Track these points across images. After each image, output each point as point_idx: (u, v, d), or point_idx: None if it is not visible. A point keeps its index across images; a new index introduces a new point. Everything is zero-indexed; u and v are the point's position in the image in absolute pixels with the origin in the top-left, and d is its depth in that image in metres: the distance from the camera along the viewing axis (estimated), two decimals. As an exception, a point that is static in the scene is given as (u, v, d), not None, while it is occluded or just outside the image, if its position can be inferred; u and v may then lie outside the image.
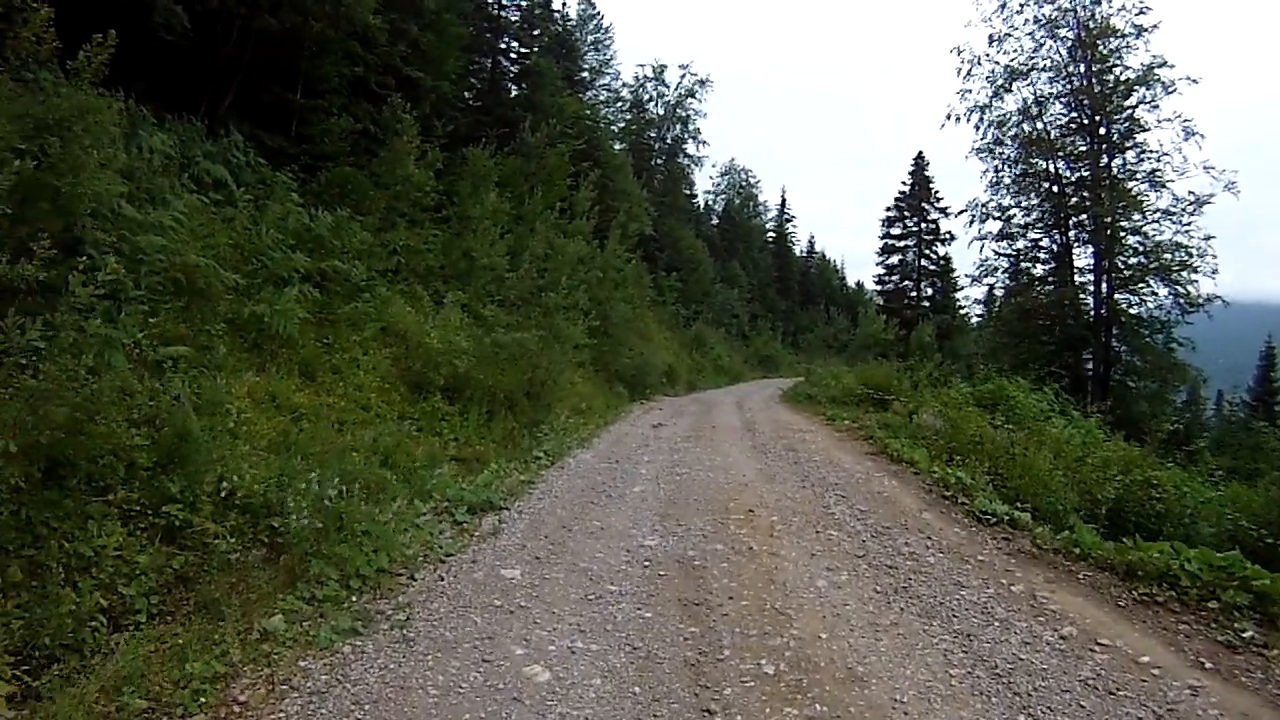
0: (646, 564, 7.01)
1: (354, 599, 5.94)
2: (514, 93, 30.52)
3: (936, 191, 55.79)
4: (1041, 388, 17.94)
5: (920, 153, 56.94)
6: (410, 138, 16.38)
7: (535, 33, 32.75)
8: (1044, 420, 15.35)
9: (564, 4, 44.41)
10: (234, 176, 11.84)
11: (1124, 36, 27.99)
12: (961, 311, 52.29)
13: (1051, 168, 29.87)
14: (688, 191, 61.21)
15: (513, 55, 31.25)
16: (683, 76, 55.83)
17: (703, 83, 55.60)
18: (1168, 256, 26.76)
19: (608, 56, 53.96)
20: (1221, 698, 4.93)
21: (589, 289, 20.73)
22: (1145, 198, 27.57)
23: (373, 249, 13.64)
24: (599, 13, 53.71)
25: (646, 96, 56.14)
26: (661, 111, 56.25)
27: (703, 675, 4.98)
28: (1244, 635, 5.79)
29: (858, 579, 6.77)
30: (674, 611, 5.98)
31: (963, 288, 52.71)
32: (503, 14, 30.66)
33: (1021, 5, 29.38)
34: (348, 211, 13.18)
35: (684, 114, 56.10)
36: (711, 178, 72.67)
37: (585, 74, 47.13)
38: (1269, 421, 25.65)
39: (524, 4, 31.95)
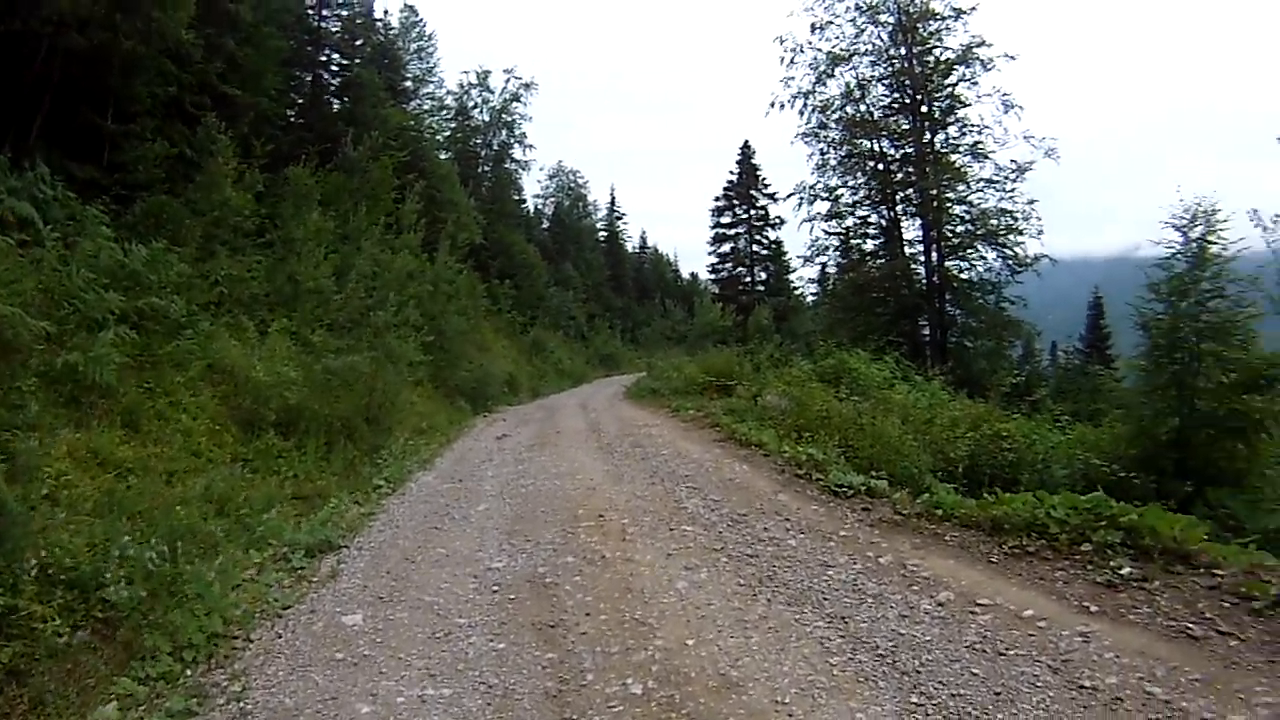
0: (496, 589, 6.35)
1: (189, 672, 5.16)
2: (336, 107, 29.13)
3: (764, 178, 56.49)
4: (882, 357, 18.28)
5: (746, 141, 57.48)
6: (227, 159, 15.26)
7: (358, 43, 31.25)
8: (888, 388, 15.61)
9: (385, 12, 42.88)
10: (41, 213, 10.57)
11: (943, 19, 28.68)
12: (796, 292, 53.37)
13: (876, 147, 30.61)
14: (517, 197, 59.93)
15: (334, 68, 29.77)
16: (507, 81, 54.42)
17: (527, 86, 54.42)
18: (994, 222, 27.90)
19: (431, 65, 52.09)
20: (1113, 639, 4.69)
21: (420, 304, 19.83)
22: (969, 169, 28.73)
23: (192, 281, 12.54)
24: (421, 20, 51.94)
25: (471, 103, 54.50)
26: (487, 118, 54.68)
27: (566, 706, 4.40)
28: (1122, 573, 5.63)
29: (719, 574, 6.29)
30: (529, 638, 5.36)
31: (796, 269, 54.42)
32: (323, 25, 29.21)
33: None
34: (164, 243, 11.99)
35: (509, 119, 54.90)
36: (540, 181, 71.67)
37: (409, 83, 45.46)
38: (1103, 365, 27.08)
39: (345, 14, 30.58)
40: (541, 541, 7.56)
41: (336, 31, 30.31)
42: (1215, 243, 12.40)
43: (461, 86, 54.58)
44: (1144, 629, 4.83)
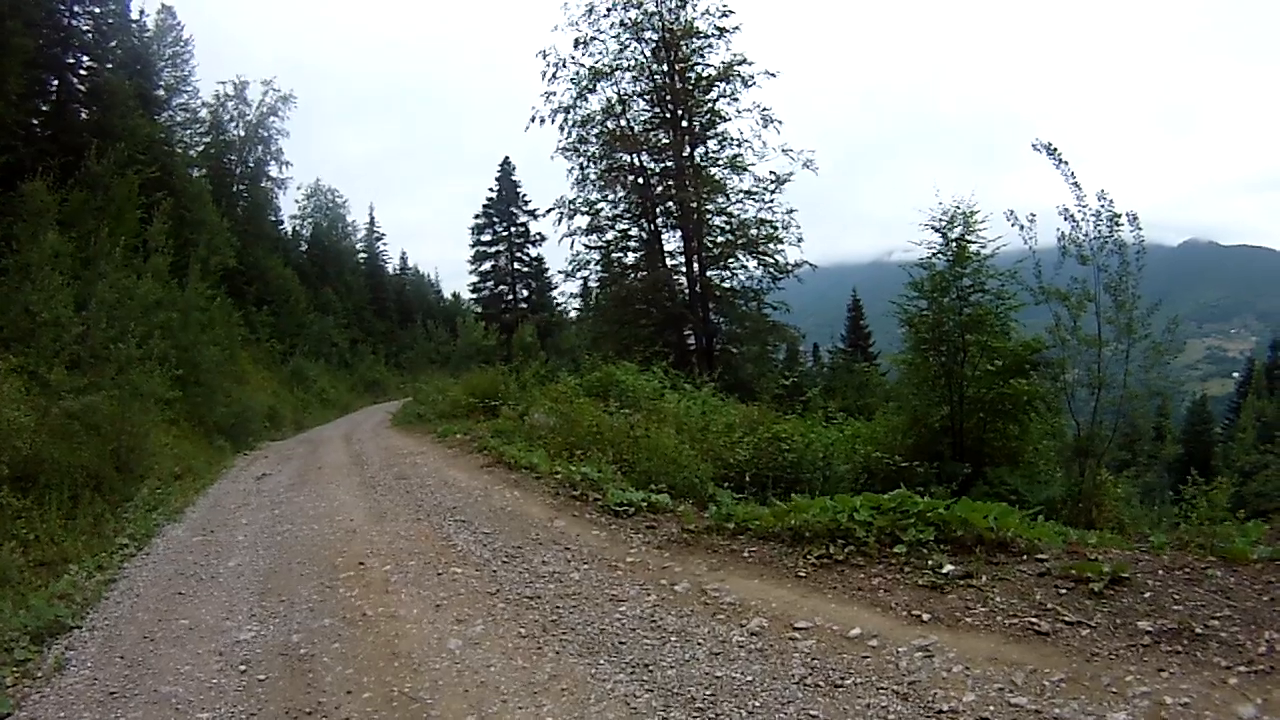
0: (244, 667, 5.06)
1: None
2: (85, 115, 26.00)
3: (525, 194, 56.13)
4: (650, 368, 17.86)
5: (506, 158, 56.80)
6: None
7: (111, 44, 27.89)
8: (658, 398, 15.21)
9: (142, 13, 38.75)
10: None
11: (706, 37, 29.70)
12: (559, 308, 52.85)
13: (636, 161, 30.80)
14: (274, 218, 55.98)
15: (83, 71, 26.49)
16: (265, 93, 50.61)
17: (286, 99, 50.62)
18: (754, 232, 28.86)
19: (186, 72, 47.15)
20: (958, 649, 4.19)
21: (169, 334, 17.61)
22: (729, 181, 29.66)
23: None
24: (179, 24, 47.03)
25: (227, 116, 49.93)
26: (243, 132, 50.57)
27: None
28: (944, 571, 5.19)
29: (497, 625, 5.28)
30: (281, 733, 4.19)
31: (558, 285, 53.97)
32: (74, 22, 25.90)
33: (609, 10, 30.03)
34: None
35: (266, 134, 51.16)
36: (298, 201, 67.02)
37: (161, 92, 41.31)
38: (867, 362, 28.30)
39: (98, 10, 27.20)
40: (297, 601, 6.30)
41: (88, 31, 27.01)
42: (974, 242, 12.86)
43: (217, 98, 50.13)
44: (986, 632, 4.37)
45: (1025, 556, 5.25)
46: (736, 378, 24.09)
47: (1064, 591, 4.68)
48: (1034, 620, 4.37)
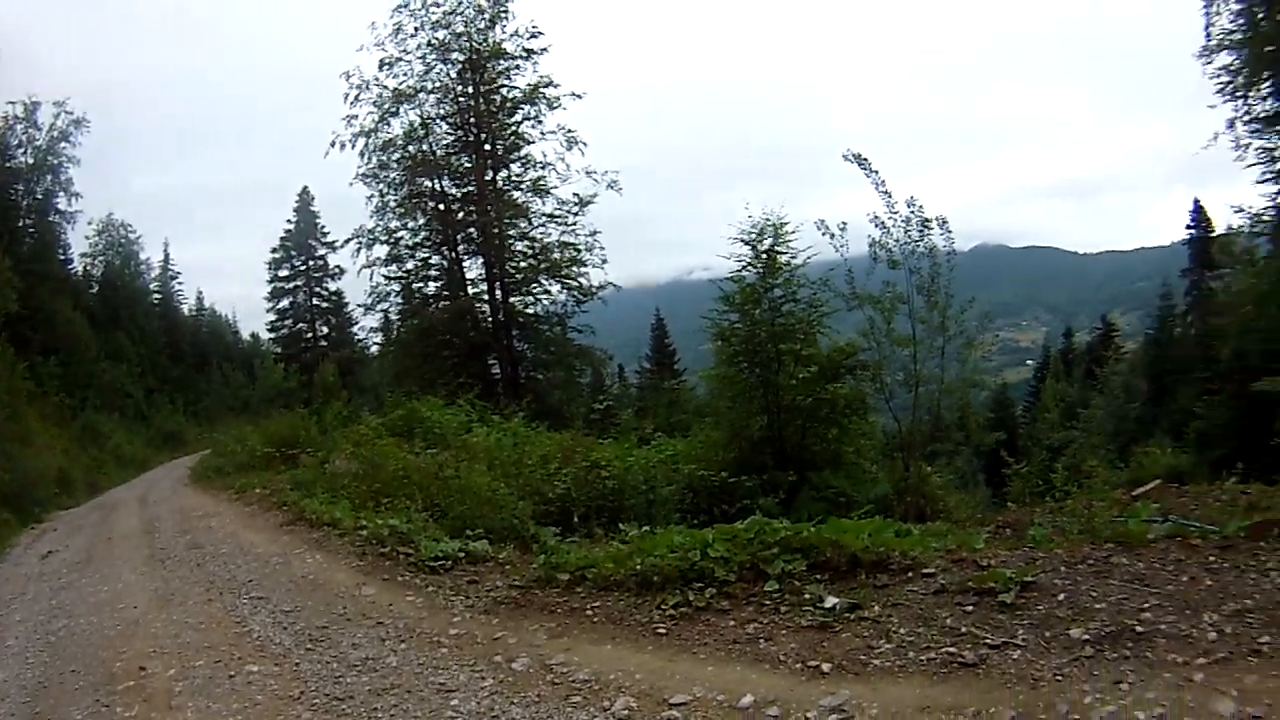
0: None
1: None
2: None
3: (323, 226, 52.51)
4: (455, 401, 16.87)
5: (305, 188, 52.99)
6: None
7: None
8: (466, 433, 14.29)
9: None
10: None
11: (514, 59, 28.60)
12: (360, 343, 49.75)
13: (437, 186, 29.60)
14: (62, 256, 50.03)
15: None
16: (57, 116, 44.61)
17: (78, 123, 44.46)
18: (556, 256, 28.05)
19: None
20: (880, 703, 3.52)
21: None
22: (531, 205, 28.71)
23: None
24: None
25: (15, 141, 43.92)
26: (31, 160, 44.58)
27: None
28: (828, 606, 4.46)
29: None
30: None
31: (359, 320, 49.53)
32: None
33: (416, 29, 28.61)
34: None
35: (55, 161, 45.10)
36: (88, 238, 59.92)
37: None
38: (675, 379, 28.07)
39: None
40: (68, 725, 4.75)
41: None
42: (784, 252, 12.70)
43: (5, 119, 44.01)
44: (904, 675, 3.73)
45: (910, 573, 4.62)
46: (545, 405, 23.10)
47: (970, 609, 4.10)
48: (952, 650, 3.74)
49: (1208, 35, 15.76)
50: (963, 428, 14.13)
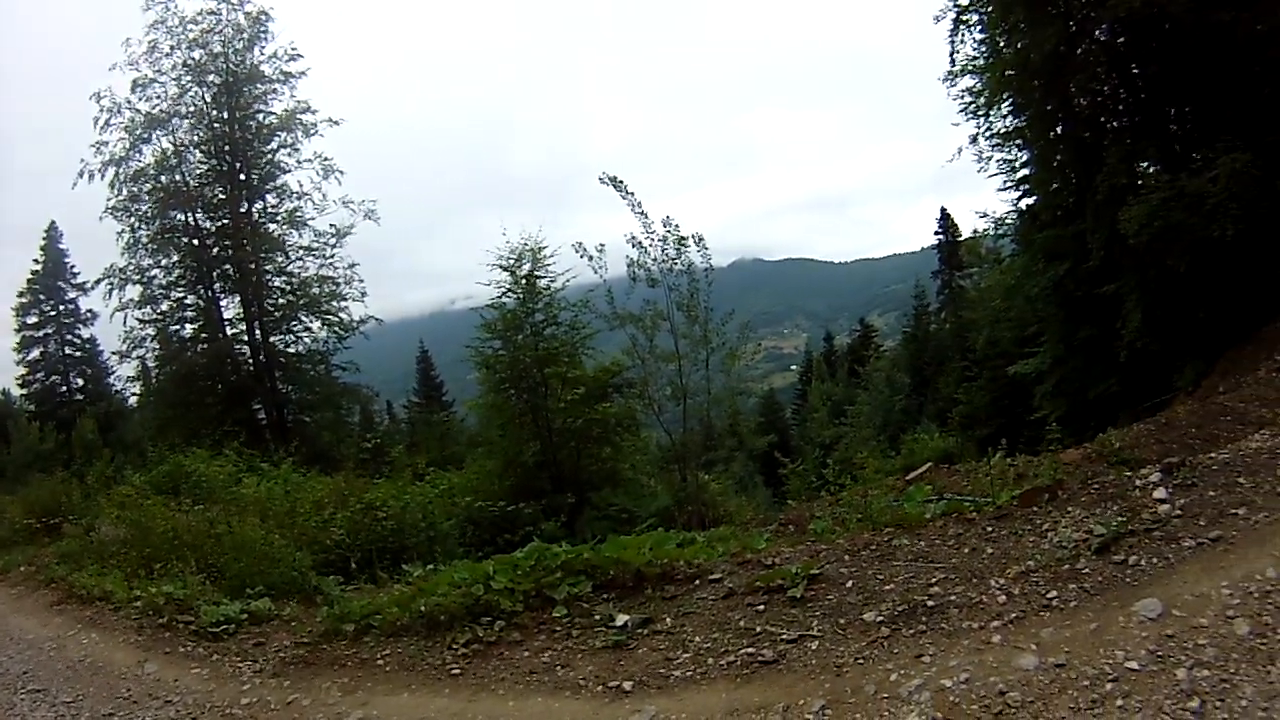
0: None
1: None
2: None
3: (73, 266, 45.90)
4: (222, 451, 15.91)
5: (53, 223, 46.01)
6: None
7: None
8: (236, 485, 13.60)
9: None
10: None
11: (272, 82, 27.21)
12: (118, 394, 45.15)
13: (191, 220, 27.28)
14: None
15: None
16: None
17: None
18: (315, 290, 26.84)
19: None
20: (687, 713, 3.59)
21: None
22: (288, 237, 27.31)
23: None
24: None
25: None
26: None
27: None
28: (619, 625, 4.58)
29: None
30: None
31: (114, 369, 44.49)
32: None
33: (172, 49, 26.26)
34: None
35: None
36: None
37: None
38: (444, 411, 27.43)
39: None
40: None
41: None
42: (543, 276, 12.90)
43: None
44: (708, 683, 3.78)
45: (697, 581, 4.77)
46: (315, 448, 22.20)
47: (762, 608, 4.26)
48: (751, 650, 3.87)
49: (952, 61, 17.05)
50: (735, 434, 14.76)
